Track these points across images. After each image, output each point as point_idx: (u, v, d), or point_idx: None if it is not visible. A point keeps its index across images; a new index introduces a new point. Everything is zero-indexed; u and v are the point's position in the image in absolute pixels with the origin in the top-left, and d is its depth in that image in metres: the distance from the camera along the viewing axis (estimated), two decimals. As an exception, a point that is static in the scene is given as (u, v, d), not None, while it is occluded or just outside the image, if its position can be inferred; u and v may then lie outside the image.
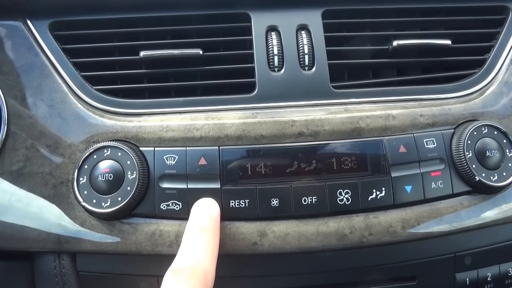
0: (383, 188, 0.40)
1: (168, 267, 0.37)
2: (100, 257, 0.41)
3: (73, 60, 0.44)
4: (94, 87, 0.43)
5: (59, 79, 0.44)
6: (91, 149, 0.39)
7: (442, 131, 0.42)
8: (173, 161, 0.40)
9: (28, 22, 0.45)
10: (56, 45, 0.44)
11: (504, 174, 0.41)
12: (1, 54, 0.44)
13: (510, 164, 0.42)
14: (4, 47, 0.44)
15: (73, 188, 0.39)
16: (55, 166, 0.41)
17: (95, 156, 0.40)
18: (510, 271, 0.44)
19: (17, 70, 0.44)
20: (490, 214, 0.42)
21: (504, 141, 0.42)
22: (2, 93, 0.43)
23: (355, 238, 0.39)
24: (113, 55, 0.45)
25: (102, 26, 0.45)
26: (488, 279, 0.43)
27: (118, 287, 0.41)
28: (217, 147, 0.40)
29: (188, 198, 0.39)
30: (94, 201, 0.39)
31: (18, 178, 0.41)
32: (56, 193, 0.40)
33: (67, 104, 0.43)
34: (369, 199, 0.39)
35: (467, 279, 0.43)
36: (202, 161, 0.40)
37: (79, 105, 0.42)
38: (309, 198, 0.39)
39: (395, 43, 0.45)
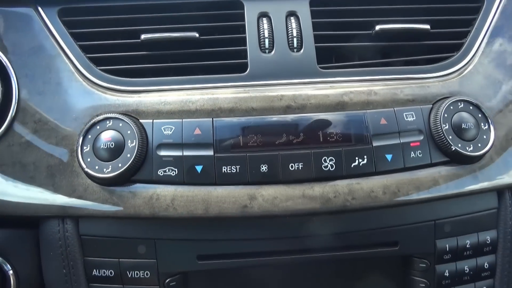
0: (365, 156, 0.43)
1: (164, 231, 0.40)
2: (101, 221, 0.44)
3: (80, 43, 0.48)
4: (98, 68, 0.48)
5: (66, 60, 0.48)
6: (94, 120, 0.43)
7: (421, 107, 0.46)
8: (170, 131, 0.43)
9: (39, 8, 0.49)
10: (64, 30, 0.49)
11: (479, 145, 0.45)
12: (14, 37, 0.48)
13: (484, 136, 0.45)
14: (16, 31, 0.48)
15: (77, 156, 0.43)
16: (61, 137, 0.45)
17: (98, 127, 0.43)
18: (488, 239, 0.47)
19: (28, 51, 0.48)
20: (467, 183, 0.45)
21: (479, 115, 0.45)
22: (14, 72, 0.47)
23: (339, 202, 0.42)
24: (116, 38, 0.49)
25: (106, 13, 0.49)
26: (467, 246, 0.46)
27: (117, 250, 0.44)
28: (211, 119, 0.43)
29: (184, 165, 0.42)
30: (97, 167, 0.42)
31: (26, 149, 0.45)
32: (62, 162, 0.44)
33: (73, 82, 0.47)
34: (352, 166, 0.43)
35: (447, 246, 0.46)
36: (197, 131, 0.43)
37: (84, 83, 0.46)
38: (295, 164, 0.42)
39: (377, 27, 0.49)
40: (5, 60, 0.47)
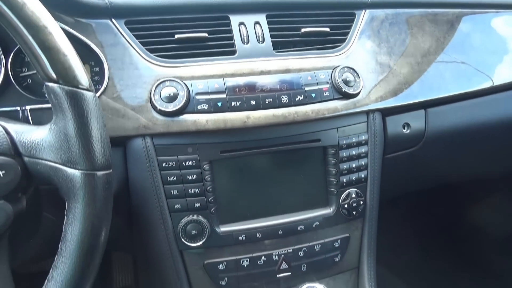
0: (302, 95, 0.80)
1: (202, 138, 0.76)
2: (167, 136, 0.73)
3: (139, 40, 0.80)
4: (153, 54, 0.81)
5: (133, 50, 0.80)
6: (160, 81, 0.77)
7: (328, 70, 0.85)
8: (202, 85, 0.78)
9: (113, 20, 0.81)
10: (129, 32, 0.81)
11: (356, 89, 0.85)
12: (100, 38, 0.77)
13: (358, 84, 0.85)
14: (101, 34, 0.78)
15: (151, 101, 0.76)
16: (138, 91, 0.77)
17: (161, 85, 0.77)
18: (363, 138, 0.87)
19: (109, 46, 0.77)
20: (351, 108, 0.84)
21: (356, 73, 0.86)
22: (104, 57, 0.79)
23: (290, 117, 0.79)
24: (160, 36, 0.82)
25: (154, 22, 0.83)
26: (353, 141, 0.83)
27: (176, 151, 0.74)
28: (222, 79, 0.79)
29: (211, 102, 0.77)
30: (164, 106, 0.76)
31: (118, 99, 0.76)
32: (141, 105, 0.76)
33: (139, 62, 0.79)
34: (296, 100, 0.79)
35: (343, 141, 0.82)
36: (216, 85, 0.77)
37: (147, 63, 0.79)
38: (268, 100, 0.78)
39: (303, 30, 0.88)
40: (98, 51, 0.79)
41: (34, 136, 0.50)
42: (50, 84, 0.48)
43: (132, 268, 1.69)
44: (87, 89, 0.50)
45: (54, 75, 0.47)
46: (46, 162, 0.49)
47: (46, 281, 0.51)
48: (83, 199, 0.47)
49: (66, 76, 0.48)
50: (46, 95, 0.50)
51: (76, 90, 0.48)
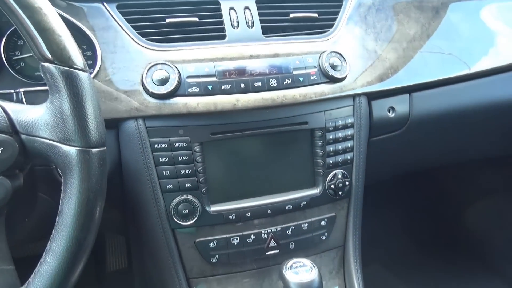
0: (290, 78, 0.81)
1: (193, 121, 0.79)
2: (159, 118, 0.74)
3: (131, 24, 0.82)
4: (144, 37, 0.83)
5: (125, 33, 0.81)
6: (151, 64, 0.78)
7: (315, 55, 0.88)
8: (193, 68, 0.80)
9: (105, 4, 0.82)
10: (121, 16, 0.82)
11: (343, 73, 0.87)
12: (92, 21, 0.79)
13: (344, 69, 0.88)
14: (93, 18, 0.80)
15: (143, 84, 0.78)
16: (130, 74, 0.78)
17: (153, 68, 0.79)
18: (349, 121, 0.90)
19: (102, 29, 0.79)
20: (338, 91, 0.87)
21: (342, 58, 0.89)
22: (96, 41, 0.80)
23: (279, 100, 0.81)
24: (150, 21, 0.83)
25: (145, 6, 0.84)
26: (340, 123, 0.86)
27: (168, 132, 0.76)
28: (213, 63, 0.82)
29: (202, 85, 0.78)
30: (155, 89, 0.77)
31: (110, 83, 0.77)
32: (133, 88, 0.78)
33: (131, 46, 0.81)
34: (284, 83, 0.82)
35: (330, 123, 0.85)
36: (207, 69, 0.80)
37: (139, 47, 0.81)
38: (257, 83, 0.80)
39: (291, 15, 0.91)
40: (90, 34, 0.81)
41: (31, 115, 0.52)
42: (46, 64, 0.50)
43: (126, 251, 1.72)
44: (82, 70, 0.52)
45: (49, 56, 0.49)
46: (43, 139, 0.51)
47: (44, 253, 0.53)
48: (79, 174, 0.50)
49: (61, 57, 0.50)
50: (42, 74, 0.52)
51: (71, 70, 0.50)
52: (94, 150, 0.51)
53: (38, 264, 0.53)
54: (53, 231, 0.53)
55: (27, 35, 0.49)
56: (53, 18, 0.50)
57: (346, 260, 0.98)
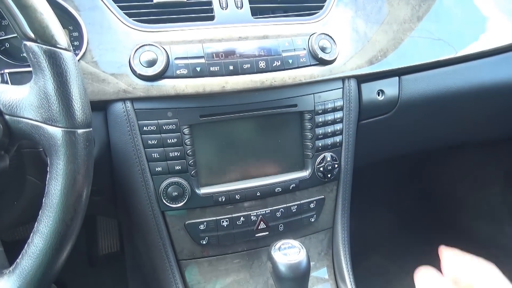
0: (279, 61, 0.81)
1: (182, 103, 0.78)
2: (147, 100, 0.75)
3: (118, 4, 0.81)
4: (131, 18, 0.82)
5: (111, 14, 0.80)
6: (139, 46, 0.77)
7: (305, 37, 0.88)
8: (181, 50, 0.80)
9: None
10: None
11: (332, 55, 0.87)
12: (76, 2, 0.80)
13: (334, 51, 0.88)
14: None
15: (130, 65, 0.77)
16: (117, 56, 0.78)
17: (140, 49, 0.78)
18: (339, 104, 0.90)
19: (88, 9, 0.78)
20: (327, 74, 0.87)
21: (332, 40, 0.88)
22: (82, 21, 0.79)
23: (268, 83, 0.81)
24: (140, 0, 0.83)
25: None
26: (329, 106, 0.87)
27: (156, 115, 0.76)
28: (201, 44, 0.81)
29: (190, 67, 0.78)
30: (143, 70, 0.77)
31: (98, 64, 0.77)
32: (121, 70, 0.77)
33: (119, 26, 0.80)
34: (273, 65, 0.82)
35: (319, 106, 0.86)
36: (195, 50, 0.78)
37: (126, 28, 0.80)
38: (245, 65, 0.80)
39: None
40: (76, 14, 0.79)
41: (15, 95, 0.51)
42: (28, 43, 0.49)
43: (118, 234, 1.73)
44: (65, 49, 0.51)
45: (32, 34, 0.48)
46: (27, 120, 0.50)
47: (31, 234, 0.53)
48: (64, 155, 0.49)
49: (43, 35, 0.49)
50: (25, 54, 0.51)
51: (55, 50, 0.49)
52: (80, 131, 0.50)
53: (26, 245, 0.53)
54: (39, 212, 0.53)
55: (8, 13, 0.48)
56: None
57: (335, 241, 1.00)
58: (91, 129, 0.55)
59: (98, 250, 1.75)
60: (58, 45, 0.50)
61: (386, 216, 1.79)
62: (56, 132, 0.49)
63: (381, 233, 1.69)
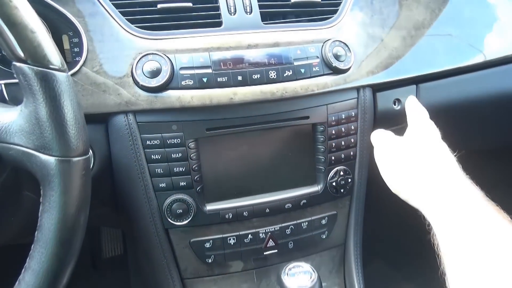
0: (291, 70, 0.76)
1: (187, 116, 0.73)
2: (150, 113, 0.70)
3: (119, 10, 0.76)
4: (134, 25, 0.77)
5: (113, 21, 0.75)
6: (142, 54, 0.73)
7: (318, 44, 0.83)
8: (186, 59, 0.74)
9: None
10: (108, 1, 0.76)
11: (347, 64, 0.82)
12: (78, 7, 0.75)
13: (349, 59, 0.82)
14: (80, 3, 0.75)
15: (133, 76, 0.72)
16: (119, 65, 0.73)
17: (143, 59, 0.73)
18: (353, 114, 0.84)
19: (88, 16, 0.74)
20: (341, 83, 0.81)
21: (346, 47, 0.83)
22: (82, 28, 0.75)
23: (279, 94, 0.76)
24: (141, 6, 0.77)
25: None
26: (343, 117, 0.82)
27: (160, 128, 0.72)
28: (208, 53, 0.76)
29: (196, 78, 0.73)
30: (146, 81, 0.72)
31: (98, 74, 0.72)
32: (122, 80, 0.73)
33: (120, 35, 0.75)
34: (284, 75, 0.77)
35: (333, 117, 0.81)
36: (201, 59, 0.74)
37: (129, 35, 0.75)
38: (255, 75, 0.74)
39: (292, 0, 0.84)
40: (75, 21, 0.75)
41: (4, 119, 0.47)
42: (18, 64, 0.44)
43: (122, 238, 1.69)
44: (59, 70, 0.46)
45: (22, 54, 0.44)
46: (18, 147, 0.46)
47: (23, 270, 0.49)
48: (58, 187, 0.45)
49: (35, 55, 0.44)
50: (14, 75, 0.46)
51: (47, 71, 0.44)
52: (75, 159, 0.46)
53: (17, 282, 0.49)
54: (32, 247, 0.49)
55: None
56: (25, 11, 0.44)
57: (347, 259, 0.95)
58: (88, 155, 0.50)
59: (102, 253, 1.72)
60: (51, 66, 0.45)
61: (397, 226, 1.73)
62: (49, 160, 0.45)
63: (392, 245, 1.63)
